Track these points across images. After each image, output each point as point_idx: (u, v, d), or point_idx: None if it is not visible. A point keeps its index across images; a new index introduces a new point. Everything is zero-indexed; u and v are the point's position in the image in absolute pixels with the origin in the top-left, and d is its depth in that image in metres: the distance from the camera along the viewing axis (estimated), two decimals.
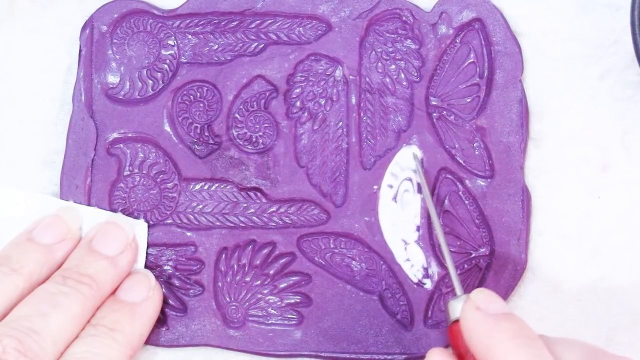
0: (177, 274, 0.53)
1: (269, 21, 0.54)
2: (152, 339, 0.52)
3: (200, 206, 0.54)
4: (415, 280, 0.53)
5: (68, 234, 0.50)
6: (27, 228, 0.50)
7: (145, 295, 0.50)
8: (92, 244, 0.50)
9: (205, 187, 0.54)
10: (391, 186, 0.53)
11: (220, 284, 0.53)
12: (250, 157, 0.54)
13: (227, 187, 0.54)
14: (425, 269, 0.53)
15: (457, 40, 0.54)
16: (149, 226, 0.53)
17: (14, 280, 0.46)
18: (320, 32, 0.54)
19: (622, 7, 0.53)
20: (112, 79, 0.54)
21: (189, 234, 0.54)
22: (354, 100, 0.54)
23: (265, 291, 0.53)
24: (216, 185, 0.54)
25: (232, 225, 0.54)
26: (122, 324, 0.48)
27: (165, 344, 0.53)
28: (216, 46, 0.54)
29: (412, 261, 0.53)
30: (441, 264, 0.53)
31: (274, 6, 0.54)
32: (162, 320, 0.52)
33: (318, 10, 0.54)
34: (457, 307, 0.45)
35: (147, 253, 0.53)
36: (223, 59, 0.54)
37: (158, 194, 0.54)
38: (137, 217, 0.53)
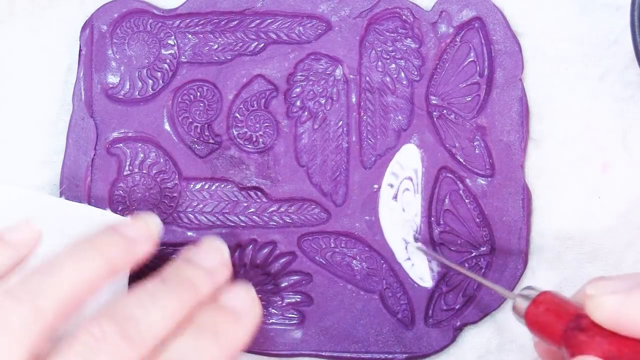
0: None
1: (269, 20, 0.54)
2: None
3: (201, 206, 0.54)
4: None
5: (149, 236, 0.49)
6: (110, 222, 0.49)
7: (249, 304, 0.50)
8: (188, 256, 0.50)
9: (206, 187, 0.54)
10: (392, 185, 0.54)
11: None
12: (250, 157, 0.54)
13: (228, 186, 0.54)
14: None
15: (457, 39, 0.54)
16: None
17: (95, 260, 0.45)
18: (320, 31, 0.54)
19: (622, 7, 0.53)
20: (112, 78, 0.54)
21: (189, 233, 0.54)
22: (354, 100, 0.54)
23: (266, 290, 0.53)
24: (216, 184, 0.54)
25: (233, 224, 0.54)
26: (226, 329, 0.48)
27: None
28: (216, 46, 0.54)
29: (413, 260, 0.53)
30: (442, 263, 0.53)
31: (274, 5, 0.54)
32: None
33: (318, 10, 0.54)
34: (523, 303, 0.43)
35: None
36: (223, 58, 0.54)
37: (158, 193, 0.54)
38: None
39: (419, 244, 0.53)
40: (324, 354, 0.53)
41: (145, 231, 0.49)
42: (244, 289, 0.50)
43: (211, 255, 0.50)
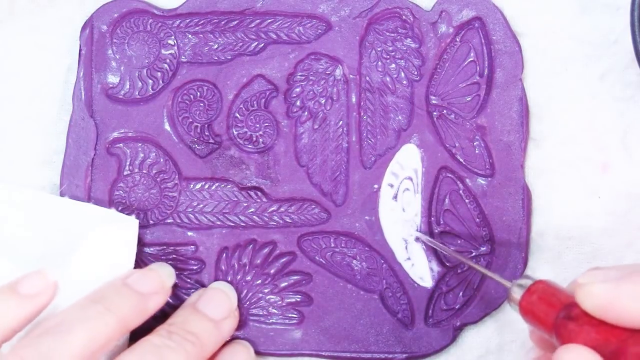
0: (178, 273, 0.53)
1: (269, 20, 0.54)
2: None
3: (201, 205, 0.54)
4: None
5: (161, 288, 0.49)
6: (122, 275, 0.50)
7: None
8: (197, 305, 0.51)
9: (206, 187, 0.54)
10: (392, 185, 0.54)
11: None
12: (250, 157, 0.54)
13: (228, 186, 0.54)
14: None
15: (457, 39, 0.54)
16: (149, 225, 0.53)
17: (107, 320, 0.45)
18: (320, 31, 0.54)
19: (622, 7, 0.53)
20: (112, 78, 0.54)
21: (189, 233, 0.54)
22: (354, 99, 0.54)
23: (266, 290, 0.53)
24: (216, 184, 0.54)
25: (233, 224, 0.54)
26: None
27: None
28: (216, 45, 0.54)
29: (413, 260, 0.53)
30: (442, 263, 0.53)
31: (274, 5, 0.54)
32: (163, 320, 0.52)
33: (318, 10, 0.54)
34: (518, 292, 0.44)
35: (147, 252, 0.53)
36: (223, 58, 0.54)
37: (158, 193, 0.54)
38: (136, 217, 0.53)
39: (419, 233, 0.53)
40: (324, 353, 0.53)
41: (158, 284, 0.49)
42: (243, 350, 0.51)
43: (220, 304, 0.51)
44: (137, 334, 0.49)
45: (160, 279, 0.50)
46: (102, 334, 0.45)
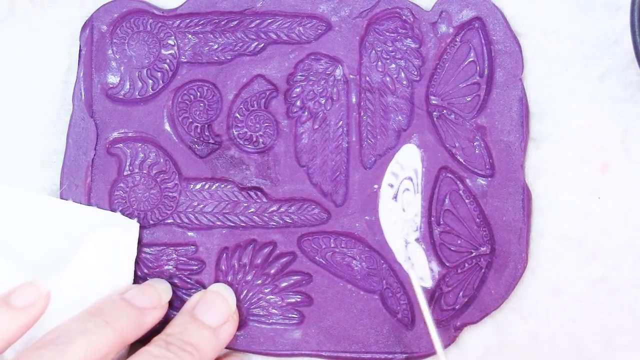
0: (178, 273, 0.53)
1: (269, 20, 0.54)
2: None
3: (201, 206, 0.54)
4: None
5: (159, 304, 0.50)
6: (119, 289, 0.50)
7: None
8: (195, 312, 0.51)
9: (206, 187, 0.54)
10: (392, 185, 0.54)
11: None
12: (250, 157, 0.54)
13: (228, 186, 0.54)
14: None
15: (457, 39, 0.54)
16: (149, 226, 0.53)
17: (106, 333, 0.46)
18: (320, 31, 0.54)
19: (622, 7, 0.53)
20: (112, 78, 0.54)
21: (189, 233, 0.54)
22: (354, 100, 0.54)
23: (266, 290, 0.53)
24: (216, 184, 0.54)
25: (233, 224, 0.54)
26: None
27: None
28: (216, 46, 0.54)
29: (413, 260, 0.53)
30: (442, 262, 0.53)
31: (274, 5, 0.54)
32: (164, 320, 0.52)
33: (318, 10, 0.54)
34: None
35: (147, 253, 0.53)
36: (223, 58, 0.54)
37: (158, 193, 0.54)
38: (134, 217, 0.54)
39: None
40: (324, 354, 0.53)
41: (155, 299, 0.50)
42: (240, 356, 0.52)
43: (218, 310, 0.51)
44: (134, 342, 0.49)
45: (158, 294, 0.50)
46: (102, 346, 0.46)
